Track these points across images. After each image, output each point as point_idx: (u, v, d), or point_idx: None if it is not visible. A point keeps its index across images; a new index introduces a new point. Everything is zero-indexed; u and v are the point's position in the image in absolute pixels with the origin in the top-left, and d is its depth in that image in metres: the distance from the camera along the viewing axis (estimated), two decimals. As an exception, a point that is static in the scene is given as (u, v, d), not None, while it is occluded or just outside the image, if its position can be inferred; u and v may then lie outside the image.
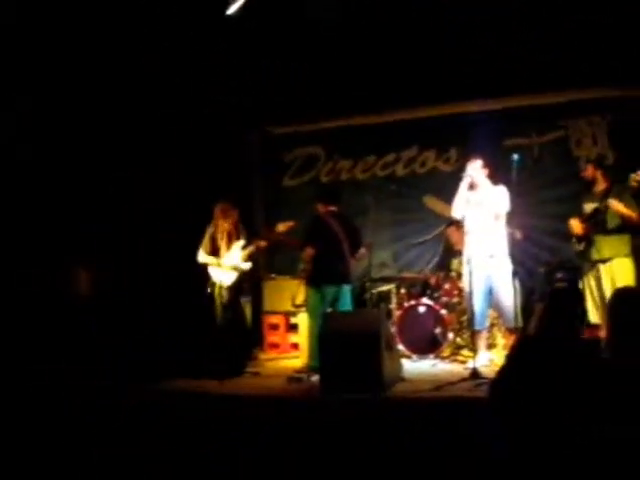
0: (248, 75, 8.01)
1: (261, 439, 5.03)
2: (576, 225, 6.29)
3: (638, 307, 3.07)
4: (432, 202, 8.47)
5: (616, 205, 5.98)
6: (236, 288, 7.00)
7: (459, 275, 7.16)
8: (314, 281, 6.59)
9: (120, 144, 7.52)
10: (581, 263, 6.44)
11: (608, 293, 5.98)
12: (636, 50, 7.13)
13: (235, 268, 6.92)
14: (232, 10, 6.70)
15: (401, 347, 6.85)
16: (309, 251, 6.56)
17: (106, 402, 5.40)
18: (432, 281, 7.52)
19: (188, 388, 5.90)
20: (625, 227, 6.09)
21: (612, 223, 6.10)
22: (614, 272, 6.03)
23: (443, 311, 6.99)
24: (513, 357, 3.21)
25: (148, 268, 7.45)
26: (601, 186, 6.28)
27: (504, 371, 3.19)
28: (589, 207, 6.27)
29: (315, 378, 5.85)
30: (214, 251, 6.95)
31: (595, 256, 6.16)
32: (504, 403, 2.97)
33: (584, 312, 3.21)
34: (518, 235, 6.49)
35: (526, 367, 3.05)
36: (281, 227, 6.83)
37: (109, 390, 5.64)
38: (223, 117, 8.33)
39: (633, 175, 5.81)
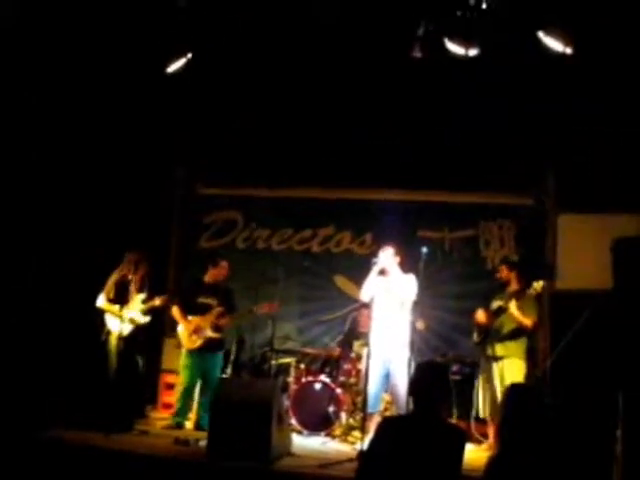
0: (182, 131, 8.13)
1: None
2: (481, 315, 6.51)
3: (527, 403, 3.23)
4: (343, 282, 8.62)
5: (514, 311, 6.22)
6: (131, 340, 6.87)
7: (359, 357, 7.27)
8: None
9: (37, 183, 7.36)
10: (477, 357, 6.65)
11: (497, 390, 6.20)
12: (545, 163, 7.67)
13: (132, 321, 6.85)
14: (172, 69, 6.86)
15: (293, 421, 6.86)
16: None
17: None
18: (332, 359, 7.59)
19: (73, 440, 5.70)
20: (521, 331, 6.32)
21: (508, 327, 6.33)
22: (504, 371, 6.25)
23: (339, 390, 7.04)
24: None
25: (42, 309, 7.19)
26: (514, 287, 6.51)
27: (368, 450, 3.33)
28: (495, 304, 6.49)
29: (202, 443, 5.78)
30: (116, 299, 6.83)
31: (489, 352, 6.40)
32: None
33: (449, 391, 3.37)
34: (420, 325, 6.66)
35: (384, 447, 3.18)
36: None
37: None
38: (151, 167, 8.34)
39: (535, 284, 6.08)
